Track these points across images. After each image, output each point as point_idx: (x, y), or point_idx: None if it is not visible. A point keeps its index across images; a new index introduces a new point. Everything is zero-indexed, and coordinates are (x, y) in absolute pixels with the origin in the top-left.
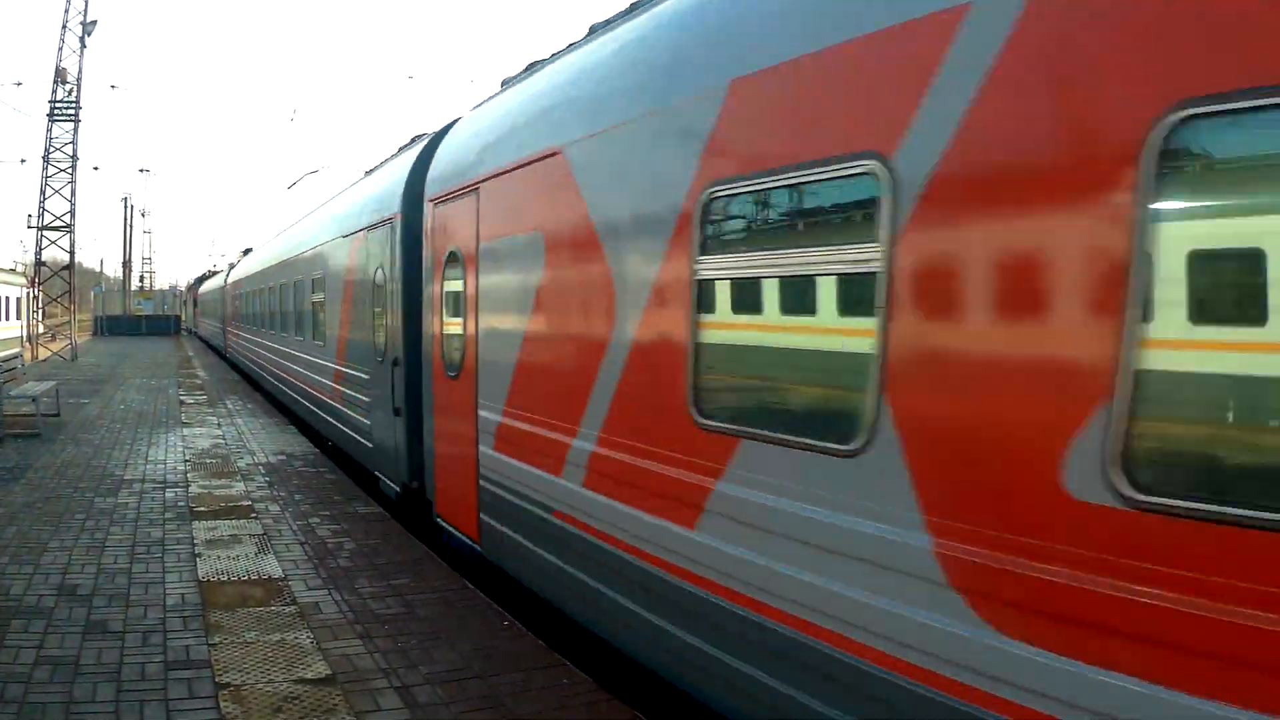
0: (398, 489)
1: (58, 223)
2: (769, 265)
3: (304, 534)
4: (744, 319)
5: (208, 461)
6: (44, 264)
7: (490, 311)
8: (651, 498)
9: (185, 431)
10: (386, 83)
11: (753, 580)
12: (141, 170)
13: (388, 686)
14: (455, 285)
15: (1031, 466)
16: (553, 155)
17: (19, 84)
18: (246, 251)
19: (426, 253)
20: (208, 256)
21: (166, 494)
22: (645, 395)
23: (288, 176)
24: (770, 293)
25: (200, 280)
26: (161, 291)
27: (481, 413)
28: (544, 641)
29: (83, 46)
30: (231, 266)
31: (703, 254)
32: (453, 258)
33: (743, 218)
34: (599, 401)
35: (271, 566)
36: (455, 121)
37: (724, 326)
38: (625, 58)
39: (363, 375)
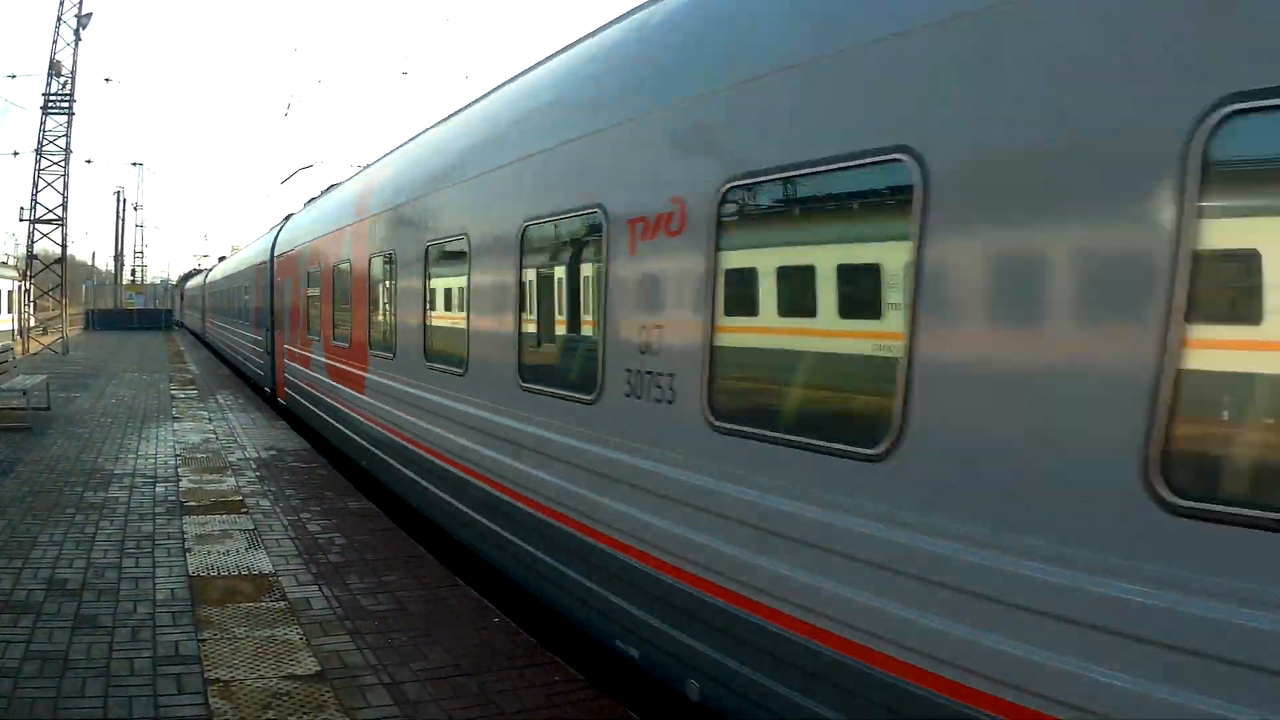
0: (269, 391)
1: (50, 216)
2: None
3: (295, 529)
4: (312, 292)
5: (198, 456)
6: (36, 257)
7: (282, 301)
8: (306, 365)
9: (176, 426)
10: (381, 78)
11: (314, 386)
12: (134, 164)
13: (378, 683)
14: (283, 293)
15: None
16: (296, 250)
17: (13, 76)
18: (222, 258)
19: (275, 279)
20: (192, 256)
21: (157, 489)
22: (304, 327)
23: (281, 171)
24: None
25: (186, 277)
26: (153, 285)
27: (283, 345)
28: (536, 639)
29: (77, 39)
30: (209, 269)
31: (308, 285)
32: (277, 282)
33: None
34: (295, 330)
35: (262, 562)
36: (292, 214)
37: (308, 298)
38: (317, 212)
39: (260, 338)
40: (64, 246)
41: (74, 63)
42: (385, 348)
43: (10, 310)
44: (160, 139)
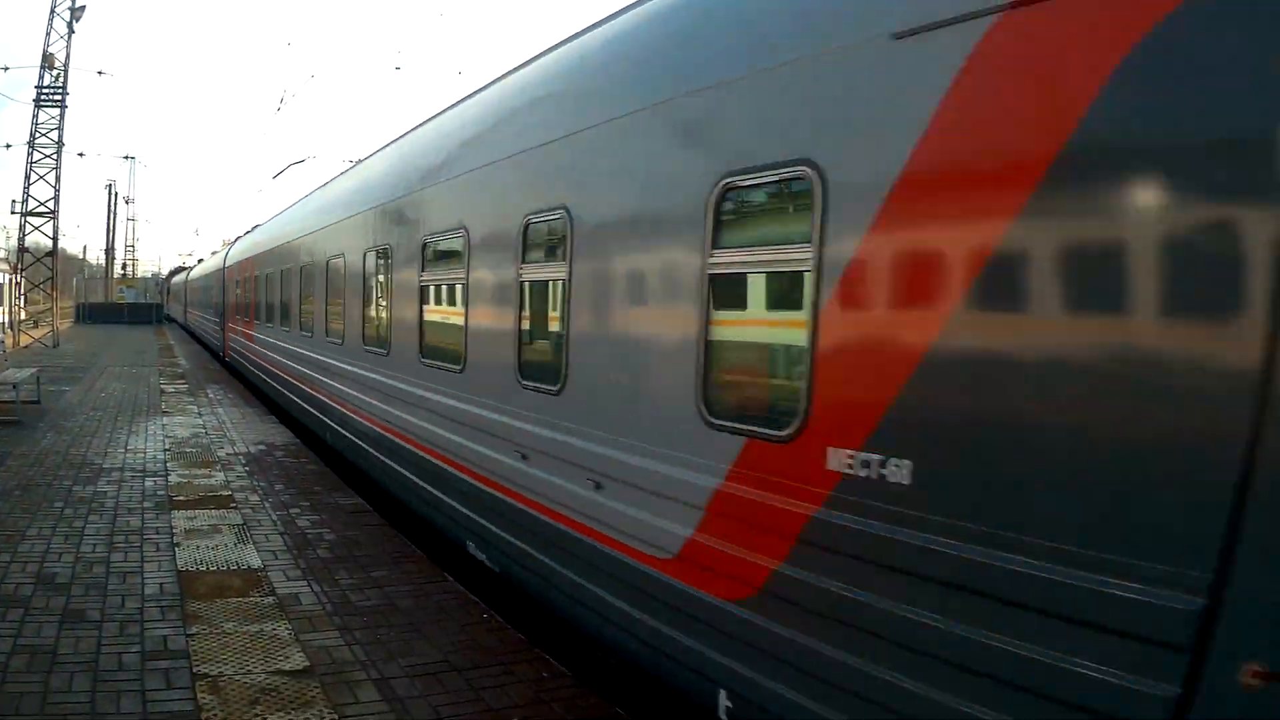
0: (220, 354)
1: (42, 209)
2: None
3: (284, 525)
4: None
5: (188, 450)
6: (27, 250)
7: (231, 295)
8: (236, 334)
9: (165, 420)
10: (375, 72)
11: (239, 345)
12: (127, 157)
13: (366, 679)
14: (229, 291)
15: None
16: (233, 264)
17: (5, 69)
18: (200, 260)
19: (226, 282)
20: (178, 255)
21: (146, 483)
22: (235, 311)
23: (274, 166)
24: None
25: (172, 274)
26: (144, 279)
27: (228, 324)
28: (524, 635)
29: (71, 32)
30: (190, 269)
31: (237, 287)
32: (227, 283)
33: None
34: (234, 314)
35: (251, 557)
36: (241, 235)
37: (238, 294)
38: (242, 243)
39: (217, 320)
40: (55, 240)
41: (67, 56)
42: (257, 317)
43: (1, 303)
44: (153, 133)
